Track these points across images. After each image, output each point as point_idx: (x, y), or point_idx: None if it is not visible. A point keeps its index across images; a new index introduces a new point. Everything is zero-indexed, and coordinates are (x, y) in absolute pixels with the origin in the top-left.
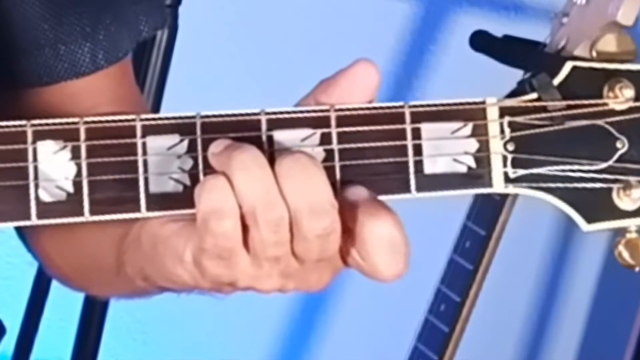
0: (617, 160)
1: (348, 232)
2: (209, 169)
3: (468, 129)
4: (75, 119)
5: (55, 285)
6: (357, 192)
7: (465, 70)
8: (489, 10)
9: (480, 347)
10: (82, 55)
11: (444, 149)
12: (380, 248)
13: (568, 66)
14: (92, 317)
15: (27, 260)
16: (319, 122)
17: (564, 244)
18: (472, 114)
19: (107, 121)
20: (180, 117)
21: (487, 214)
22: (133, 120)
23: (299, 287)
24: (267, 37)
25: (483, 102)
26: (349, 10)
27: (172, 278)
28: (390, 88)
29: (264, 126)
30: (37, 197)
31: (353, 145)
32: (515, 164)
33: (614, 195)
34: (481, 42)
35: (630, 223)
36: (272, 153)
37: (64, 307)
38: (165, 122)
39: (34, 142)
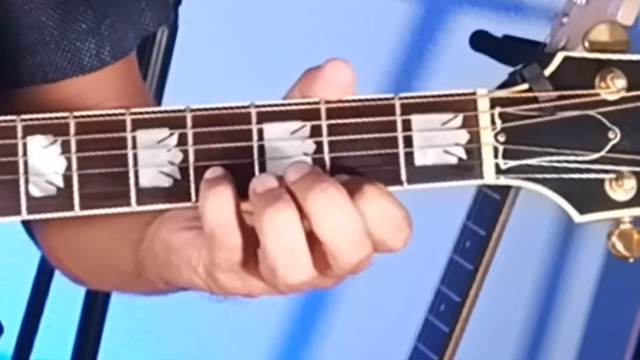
0: (609, 151)
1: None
2: (199, 162)
3: (459, 120)
4: (65, 114)
5: (55, 285)
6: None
7: (465, 70)
8: (489, 10)
9: (480, 347)
10: (87, 51)
11: (435, 140)
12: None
13: (559, 57)
14: (92, 317)
15: (27, 260)
16: (309, 114)
17: (564, 244)
18: (463, 105)
19: (97, 115)
20: (171, 111)
21: (487, 214)
22: (123, 114)
23: (316, 288)
24: (267, 36)
25: (473, 93)
26: (349, 10)
27: (190, 285)
28: (390, 88)
29: (254, 119)
30: (27, 192)
31: (343, 138)
32: (507, 155)
33: (607, 186)
34: (481, 42)
35: (623, 214)
36: (261, 146)
37: (64, 307)
38: (156, 115)
39: (23, 136)
